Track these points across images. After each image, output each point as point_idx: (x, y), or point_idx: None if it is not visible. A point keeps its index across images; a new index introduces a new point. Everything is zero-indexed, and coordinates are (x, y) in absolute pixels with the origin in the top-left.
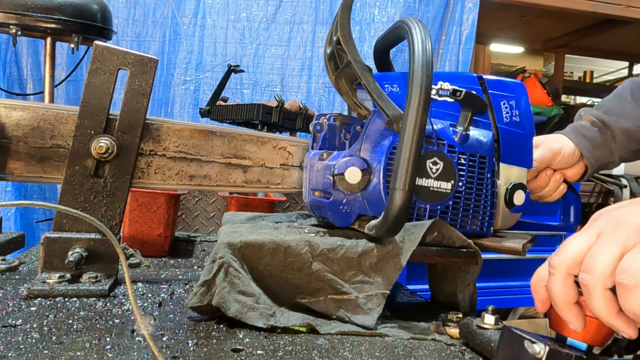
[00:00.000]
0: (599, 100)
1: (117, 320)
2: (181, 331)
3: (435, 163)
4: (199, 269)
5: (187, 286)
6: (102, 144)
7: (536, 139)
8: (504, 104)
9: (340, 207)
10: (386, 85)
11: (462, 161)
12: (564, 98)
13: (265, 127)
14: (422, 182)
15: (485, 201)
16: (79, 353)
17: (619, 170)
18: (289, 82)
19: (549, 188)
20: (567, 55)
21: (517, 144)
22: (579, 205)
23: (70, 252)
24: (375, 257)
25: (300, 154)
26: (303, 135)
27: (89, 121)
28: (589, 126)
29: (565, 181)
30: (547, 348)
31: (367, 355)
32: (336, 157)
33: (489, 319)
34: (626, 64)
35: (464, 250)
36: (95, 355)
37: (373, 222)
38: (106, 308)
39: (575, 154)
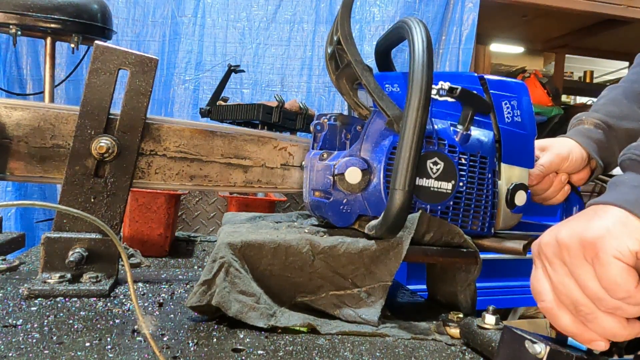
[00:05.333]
0: None
1: (117, 320)
2: (182, 331)
3: (435, 163)
4: (200, 269)
5: (188, 286)
6: (103, 143)
7: (543, 142)
8: (506, 104)
9: (341, 207)
10: (387, 85)
11: (463, 161)
12: (564, 98)
13: (266, 127)
14: (422, 182)
15: (486, 201)
16: (79, 353)
17: (618, 170)
18: (289, 82)
19: (553, 189)
20: (567, 55)
21: (518, 144)
22: (582, 205)
23: (70, 252)
24: (377, 251)
25: (300, 154)
26: (303, 135)
27: (89, 121)
28: (593, 129)
29: (568, 182)
30: (548, 348)
31: (368, 355)
32: (336, 157)
33: (490, 319)
34: (626, 64)
35: (464, 250)
36: (95, 355)
37: (373, 222)
38: (107, 308)
39: (583, 157)
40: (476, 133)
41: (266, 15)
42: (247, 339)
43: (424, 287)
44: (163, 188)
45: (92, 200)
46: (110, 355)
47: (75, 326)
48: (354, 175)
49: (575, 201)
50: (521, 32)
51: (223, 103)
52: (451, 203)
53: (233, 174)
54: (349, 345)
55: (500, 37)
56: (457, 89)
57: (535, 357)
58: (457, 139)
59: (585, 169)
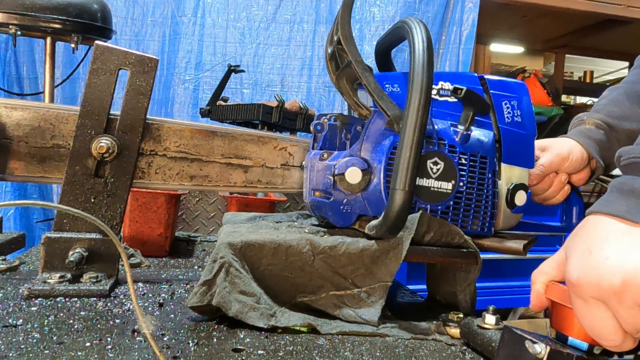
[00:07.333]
0: None
1: (118, 320)
2: (182, 331)
3: (435, 163)
4: (200, 269)
5: (188, 286)
6: (103, 143)
7: (543, 142)
8: (506, 104)
9: (341, 207)
10: (387, 85)
11: (463, 161)
12: (564, 98)
13: (266, 127)
14: (422, 182)
15: (486, 201)
16: (79, 353)
17: (619, 170)
18: (289, 82)
19: (553, 189)
20: (567, 55)
21: (518, 144)
22: (582, 206)
23: (70, 252)
24: (377, 251)
25: (300, 154)
26: (303, 135)
27: (89, 121)
28: (595, 129)
29: (569, 182)
30: (548, 348)
31: (368, 355)
32: (337, 157)
33: (490, 319)
34: (626, 64)
35: (465, 250)
36: (96, 355)
37: (373, 222)
38: (107, 308)
39: (584, 158)
40: (476, 133)
41: (266, 15)
42: (248, 339)
43: (424, 287)
44: (163, 188)
45: (92, 200)
46: (111, 355)
47: (76, 326)
48: (354, 175)
49: (575, 201)
50: (521, 32)
51: (223, 103)
52: (451, 203)
53: (233, 174)
54: (349, 345)
55: (500, 37)
56: (462, 89)
57: (535, 357)
58: (457, 139)
59: (585, 169)
